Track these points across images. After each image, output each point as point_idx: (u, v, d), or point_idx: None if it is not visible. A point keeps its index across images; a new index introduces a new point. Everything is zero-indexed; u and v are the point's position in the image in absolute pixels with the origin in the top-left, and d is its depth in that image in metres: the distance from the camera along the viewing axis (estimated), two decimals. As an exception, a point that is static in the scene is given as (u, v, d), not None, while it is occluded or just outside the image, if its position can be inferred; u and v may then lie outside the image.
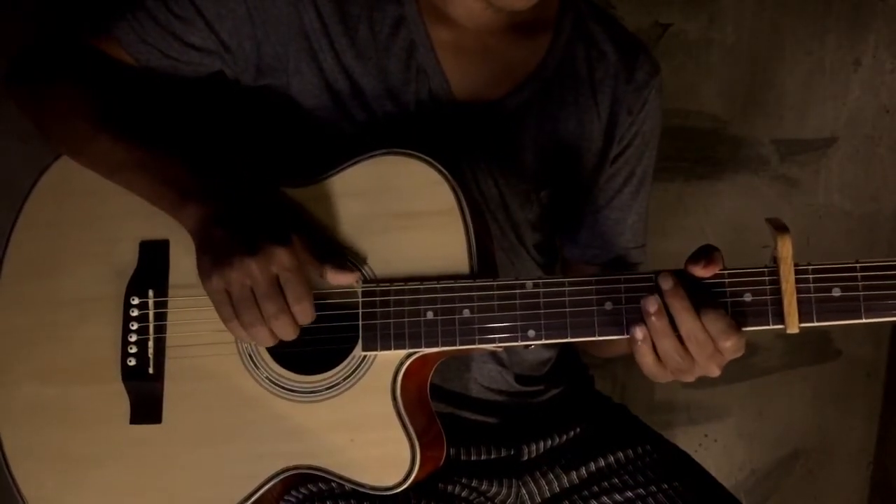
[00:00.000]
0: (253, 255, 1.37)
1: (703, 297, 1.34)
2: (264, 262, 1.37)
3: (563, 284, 1.39)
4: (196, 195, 1.47)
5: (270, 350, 1.49)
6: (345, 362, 1.47)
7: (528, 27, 1.70)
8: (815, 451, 2.94)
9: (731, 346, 1.33)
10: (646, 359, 1.37)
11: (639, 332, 1.35)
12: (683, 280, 1.35)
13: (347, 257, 1.48)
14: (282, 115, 1.66)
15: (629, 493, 1.66)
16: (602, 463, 1.73)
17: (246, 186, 1.51)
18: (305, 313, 1.41)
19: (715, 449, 2.85)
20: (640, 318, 1.36)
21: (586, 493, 1.69)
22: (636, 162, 1.80)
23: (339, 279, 1.43)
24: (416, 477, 1.44)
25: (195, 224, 1.45)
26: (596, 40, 1.74)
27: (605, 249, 1.81)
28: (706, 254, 1.35)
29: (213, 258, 1.40)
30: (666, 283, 1.34)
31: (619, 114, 1.74)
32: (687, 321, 1.32)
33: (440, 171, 1.46)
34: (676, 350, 1.33)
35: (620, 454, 1.73)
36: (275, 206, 1.50)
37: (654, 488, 1.66)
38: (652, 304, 1.34)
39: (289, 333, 1.42)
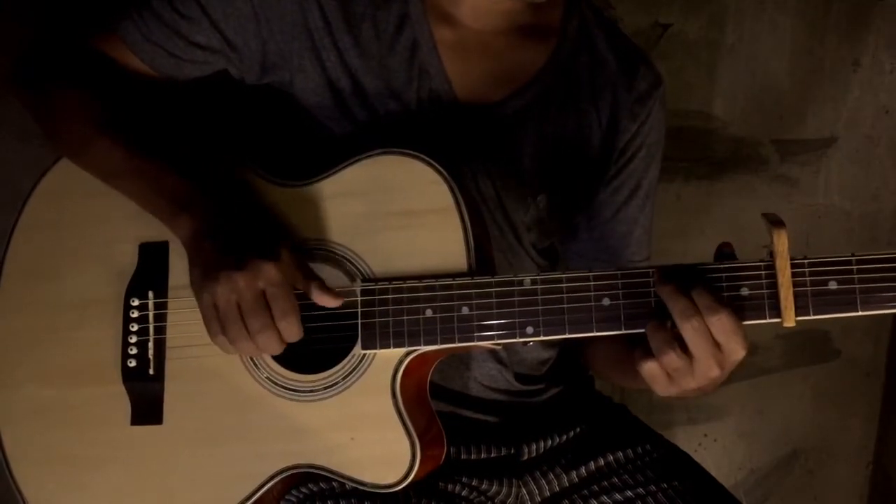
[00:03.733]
0: (240, 269, 1.37)
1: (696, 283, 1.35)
2: (251, 277, 1.37)
3: (560, 281, 1.40)
4: (188, 207, 1.47)
5: (269, 350, 1.49)
6: (344, 361, 1.47)
7: (532, 31, 1.70)
8: (815, 450, 2.94)
9: (719, 321, 1.31)
10: (650, 366, 1.37)
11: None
12: (680, 274, 1.36)
13: (346, 258, 1.49)
14: (284, 113, 1.66)
15: (629, 493, 1.66)
16: (602, 462, 1.73)
17: (240, 197, 1.52)
18: (291, 329, 1.41)
19: (714, 449, 2.85)
20: (641, 315, 1.37)
21: (586, 492, 1.69)
22: (642, 174, 1.79)
23: (325, 300, 1.44)
24: (415, 475, 1.44)
25: (186, 236, 1.46)
26: (598, 48, 1.74)
27: (610, 263, 1.81)
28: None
29: (202, 273, 1.41)
30: (658, 283, 1.36)
31: (619, 122, 1.74)
32: (676, 302, 1.32)
33: (438, 171, 1.46)
34: (669, 343, 1.33)
35: (620, 454, 1.73)
36: (266, 218, 1.51)
37: (653, 488, 1.66)
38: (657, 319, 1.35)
39: (274, 349, 1.42)
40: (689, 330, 1.32)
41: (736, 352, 1.34)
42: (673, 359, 1.33)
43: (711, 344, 1.33)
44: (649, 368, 1.37)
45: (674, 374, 1.36)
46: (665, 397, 1.43)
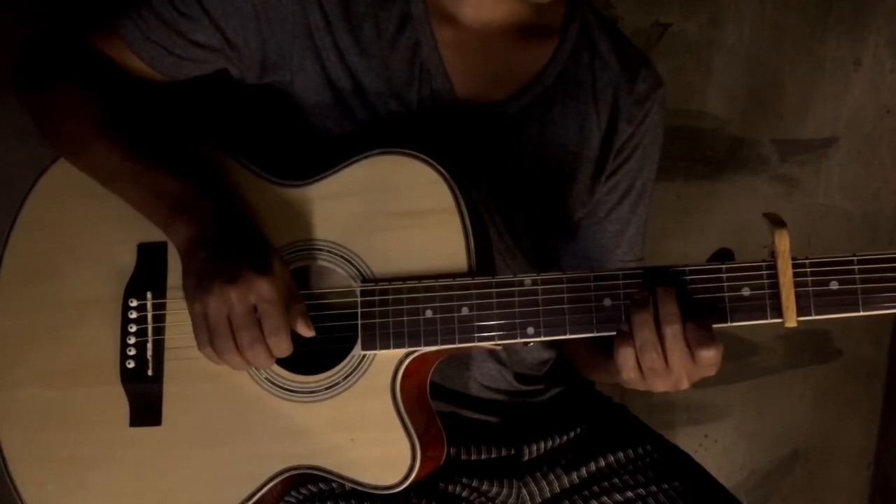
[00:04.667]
0: (233, 283, 1.37)
1: (694, 304, 1.34)
2: (243, 292, 1.37)
3: (561, 281, 1.39)
4: (184, 214, 1.46)
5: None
6: (344, 362, 1.47)
7: (533, 32, 1.70)
8: (816, 451, 2.94)
9: (707, 357, 1.31)
10: (628, 358, 1.35)
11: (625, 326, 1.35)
12: (677, 280, 1.36)
13: (346, 258, 1.48)
14: (284, 113, 1.66)
15: (629, 494, 1.66)
16: (602, 463, 1.72)
17: (237, 203, 1.51)
18: (281, 346, 1.41)
19: (715, 449, 2.85)
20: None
21: (587, 493, 1.69)
22: (636, 175, 1.79)
23: (302, 329, 1.44)
24: (416, 476, 1.44)
25: (182, 243, 1.46)
26: (600, 50, 1.74)
27: (603, 263, 1.81)
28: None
29: (195, 282, 1.40)
30: (659, 287, 1.35)
31: (618, 124, 1.74)
32: (670, 322, 1.32)
33: (438, 171, 1.46)
34: (654, 345, 1.32)
35: (621, 454, 1.73)
36: (262, 226, 1.51)
37: (654, 488, 1.65)
38: (640, 294, 1.34)
39: (263, 363, 1.42)
40: (669, 334, 1.32)
41: (708, 368, 1.34)
42: (654, 358, 1.33)
43: (687, 356, 1.32)
44: (626, 356, 1.35)
45: (648, 373, 1.36)
46: (666, 396, 1.43)
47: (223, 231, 1.44)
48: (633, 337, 1.34)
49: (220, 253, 1.41)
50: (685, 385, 1.37)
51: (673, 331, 1.31)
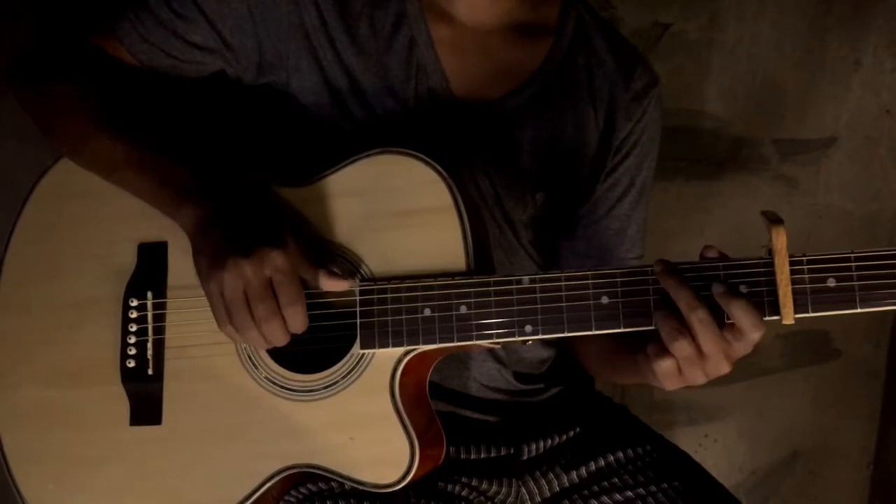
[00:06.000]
0: (246, 256, 1.37)
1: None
2: (257, 264, 1.37)
3: (559, 279, 1.39)
4: (192, 196, 1.47)
5: (269, 350, 1.49)
6: (343, 360, 1.47)
7: (529, 29, 1.71)
8: (816, 451, 2.94)
9: (759, 338, 1.32)
10: (660, 354, 1.35)
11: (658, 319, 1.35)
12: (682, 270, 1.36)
13: (346, 258, 1.48)
14: (281, 113, 1.66)
15: (629, 493, 1.66)
16: (602, 462, 1.72)
17: (243, 187, 1.51)
18: (297, 317, 1.40)
19: (715, 449, 2.85)
20: (640, 313, 1.37)
21: (586, 492, 1.69)
22: (636, 172, 1.80)
23: (332, 285, 1.43)
24: (415, 475, 1.44)
25: (191, 225, 1.46)
26: (595, 48, 1.75)
27: (603, 260, 1.81)
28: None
29: (208, 260, 1.41)
30: (663, 274, 1.35)
31: (615, 121, 1.75)
32: (693, 307, 1.31)
33: (436, 170, 1.46)
34: (681, 333, 1.32)
35: (620, 454, 1.73)
36: (271, 206, 1.51)
37: (653, 488, 1.65)
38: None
39: (279, 338, 1.42)
40: (696, 321, 1.31)
41: (745, 344, 1.34)
42: (684, 346, 1.32)
43: (719, 336, 1.32)
44: (663, 363, 1.35)
45: (684, 365, 1.35)
46: (666, 396, 1.42)
47: (232, 211, 1.45)
48: (668, 346, 1.34)
49: (230, 231, 1.41)
50: (727, 368, 1.36)
51: (698, 316, 1.31)
